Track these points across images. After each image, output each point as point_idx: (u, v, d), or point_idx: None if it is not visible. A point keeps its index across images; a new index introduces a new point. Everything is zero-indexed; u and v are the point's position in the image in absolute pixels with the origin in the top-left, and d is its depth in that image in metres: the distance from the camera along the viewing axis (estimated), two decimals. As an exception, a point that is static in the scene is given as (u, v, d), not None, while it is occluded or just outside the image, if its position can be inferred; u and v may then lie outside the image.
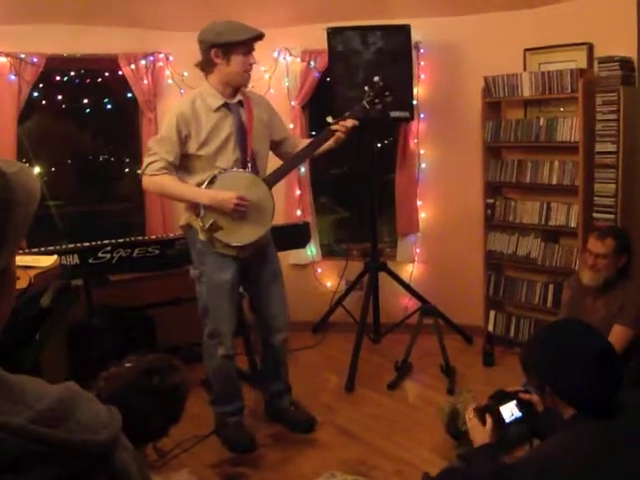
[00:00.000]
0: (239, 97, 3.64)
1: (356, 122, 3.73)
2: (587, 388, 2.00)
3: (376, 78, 3.84)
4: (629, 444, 1.95)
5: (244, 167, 3.61)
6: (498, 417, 2.44)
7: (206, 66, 3.60)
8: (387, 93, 3.83)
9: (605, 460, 1.91)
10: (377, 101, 3.82)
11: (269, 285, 3.83)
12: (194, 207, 3.60)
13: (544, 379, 2.12)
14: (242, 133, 3.61)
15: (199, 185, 3.56)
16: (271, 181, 3.67)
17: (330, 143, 3.77)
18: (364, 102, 3.79)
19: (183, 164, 3.60)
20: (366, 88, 3.84)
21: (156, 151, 3.52)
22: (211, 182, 3.52)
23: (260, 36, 3.55)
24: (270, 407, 4.12)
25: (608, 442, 1.95)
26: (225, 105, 3.59)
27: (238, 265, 3.68)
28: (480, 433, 2.42)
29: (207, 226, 3.52)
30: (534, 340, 2.31)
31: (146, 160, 3.56)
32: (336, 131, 3.70)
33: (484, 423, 2.43)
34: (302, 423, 4.01)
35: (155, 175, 3.52)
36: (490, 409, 2.46)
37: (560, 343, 2.10)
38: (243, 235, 3.60)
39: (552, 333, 2.20)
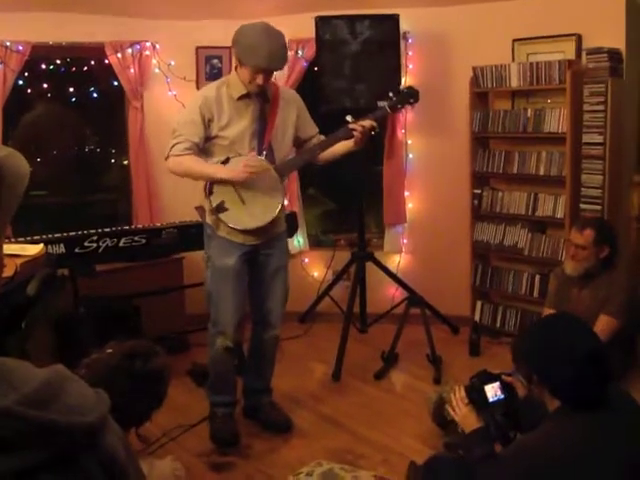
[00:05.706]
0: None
1: (374, 123, 3.67)
2: (577, 384, 2.02)
3: (402, 86, 3.83)
4: (614, 436, 1.99)
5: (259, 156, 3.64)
6: (482, 396, 2.46)
7: (235, 59, 3.66)
8: (412, 100, 3.86)
9: (591, 451, 1.94)
10: (400, 106, 3.86)
11: (272, 279, 3.80)
12: (207, 188, 3.63)
13: (534, 370, 2.14)
14: (262, 124, 3.64)
15: None
16: (281, 170, 3.67)
17: (350, 145, 3.74)
18: (386, 106, 3.77)
19: (205, 147, 3.65)
20: (390, 93, 3.81)
21: (181, 132, 3.57)
22: (224, 163, 3.58)
23: (265, 69, 3.47)
24: (247, 402, 4.06)
25: (594, 434, 1.98)
26: (247, 95, 3.61)
27: (245, 253, 3.67)
28: (469, 419, 2.43)
29: (214, 205, 3.57)
30: (528, 331, 2.34)
31: (171, 142, 3.58)
32: (353, 130, 3.65)
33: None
34: (278, 423, 3.96)
35: (180, 155, 3.55)
36: (475, 388, 2.48)
37: (553, 337, 2.12)
38: (248, 220, 3.61)
39: (546, 326, 2.24)
